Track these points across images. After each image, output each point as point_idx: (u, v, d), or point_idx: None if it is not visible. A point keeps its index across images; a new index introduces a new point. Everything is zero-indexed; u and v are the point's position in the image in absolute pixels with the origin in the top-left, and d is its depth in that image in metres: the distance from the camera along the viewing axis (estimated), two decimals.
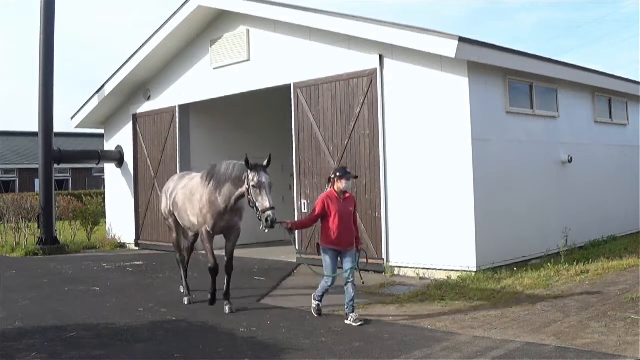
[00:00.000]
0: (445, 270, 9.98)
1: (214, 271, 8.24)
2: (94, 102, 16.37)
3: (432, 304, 8.23)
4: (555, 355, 5.80)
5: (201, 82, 14.24)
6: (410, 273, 10.35)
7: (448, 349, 6.14)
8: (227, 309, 8.10)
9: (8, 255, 14.84)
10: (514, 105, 11.04)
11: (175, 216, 9.06)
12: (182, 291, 9.07)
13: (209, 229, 8.09)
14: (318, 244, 7.59)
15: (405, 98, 10.61)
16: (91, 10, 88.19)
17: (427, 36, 9.84)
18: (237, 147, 14.87)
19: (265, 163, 7.61)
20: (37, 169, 16.25)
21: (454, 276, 9.75)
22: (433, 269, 10.11)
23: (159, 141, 15.50)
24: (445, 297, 8.53)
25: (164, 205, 9.32)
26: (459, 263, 9.88)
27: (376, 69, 10.89)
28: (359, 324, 7.18)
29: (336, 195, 7.50)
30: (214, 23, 13.88)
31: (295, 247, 8.89)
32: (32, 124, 28.11)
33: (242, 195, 7.72)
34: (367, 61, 11.04)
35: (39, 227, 15.50)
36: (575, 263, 10.35)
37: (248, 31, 13.13)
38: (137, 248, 16.02)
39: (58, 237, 15.69)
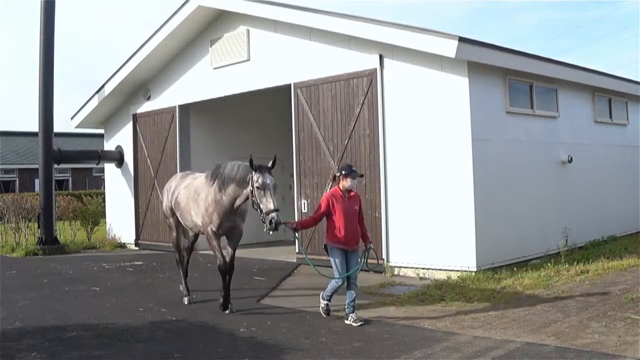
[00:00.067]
0: (445, 270, 9.98)
1: (224, 271, 8.00)
2: (94, 102, 16.37)
3: (432, 304, 8.23)
4: (555, 355, 5.80)
5: (201, 82, 14.24)
6: (410, 273, 10.35)
7: (448, 349, 6.14)
8: (227, 309, 8.10)
9: (8, 255, 14.84)
10: (514, 105, 11.04)
11: (176, 215, 9.01)
12: (181, 290, 9.04)
13: (214, 229, 7.96)
14: (325, 244, 7.49)
15: (405, 98, 10.61)
16: (91, 10, 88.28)
17: (427, 36, 9.84)
18: (237, 147, 14.91)
19: (269, 164, 7.51)
20: (37, 169, 16.25)
21: (454, 276, 9.75)
22: (433, 269, 10.11)
23: (159, 141, 15.50)
24: (445, 297, 8.53)
25: (165, 204, 9.25)
26: (459, 263, 9.88)
27: (376, 69, 10.89)
28: (359, 324, 7.18)
29: (341, 193, 7.42)
30: (214, 23, 13.88)
31: (301, 247, 8.83)
32: (32, 124, 28.14)
33: (246, 198, 7.62)
34: (367, 61, 11.04)
35: (39, 227, 15.50)
36: (575, 263, 10.35)
37: (248, 31, 13.13)
38: (137, 248, 16.02)
39: (58, 237, 15.69)
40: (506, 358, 5.81)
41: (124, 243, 16.51)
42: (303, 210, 11.94)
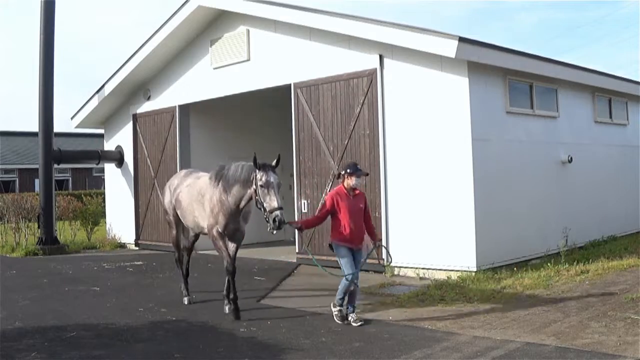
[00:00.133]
0: (445, 270, 9.98)
1: (232, 272, 7.82)
2: (94, 102, 16.37)
3: (432, 304, 8.23)
4: (555, 355, 5.80)
5: (201, 82, 14.24)
6: (410, 273, 10.35)
7: (448, 349, 6.14)
8: (227, 309, 8.08)
9: (8, 255, 14.84)
10: (514, 105, 11.04)
11: (177, 213, 8.91)
12: (181, 289, 9.01)
13: (220, 230, 7.81)
14: (330, 243, 7.44)
15: (405, 98, 10.61)
16: (91, 10, 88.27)
17: (427, 36, 9.84)
18: (237, 147, 14.91)
19: (273, 163, 7.42)
20: (37, 169, 16.25)
21: (454, 276, 9.75)
22: (433, 269, 10.11)
23: (159, 141, 15.50)
24: (445, 297, 8.53)
25: (167, 201, 9.14)
26: (459, 263, 9.88)
27: (376, 69, 10.89)
28: (359, 324, 7.18)
29: (345, 192, 7.37)
30: (214, 23, 13.88)
31: (306, 248, 8.72)
32: (32, 124, 28.14)
33: (250, 198, 7.52)
34: (367, 61, 11.04)
35: (39, 227, 15.50)
36: (575, 263, 10.35)
37: (248, 31, 13.13)
38: (137, 248, 16.02)
39: (58, 237, 15.69)
40: (506, 358, 5.81)
41: (124, 243, 16.51)
42: (303, 210, 11.94)
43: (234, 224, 7.87)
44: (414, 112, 10.50)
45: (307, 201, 11.94)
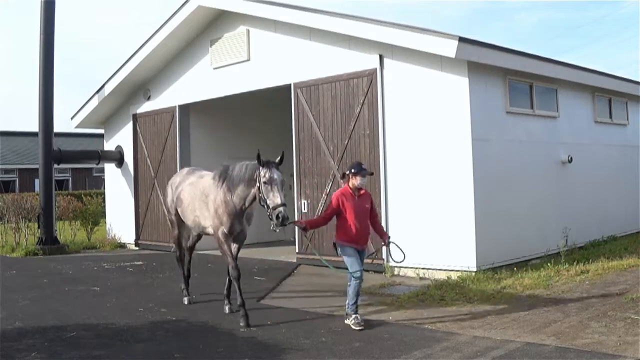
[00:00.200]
0: (445, 270, 9.98)
1: (237, 277, 7.66)
2: (94, 102, 16.37)
3: (432, 304, 8.24)
4: (555, 355, 5.80)
5: (201, 82, 14.24)
6: (410, 273, 10.35)
7: (448, 349, 6.14)
8: (226, 308, 8.09)
9: (8, 255, 14.84)
10: (514, 105, 11.04)
11: (177, 211, 8.80)
12: (182, 289, 9.00)
13: (225, 230, 7.71)
14: (334, 243, 7.39)
15: (405, 98, 10.61)
16: (91, 10, 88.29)
17: (427, 36, 9.84)
18: (237, 147, 14.92)
19: (277, 160, 7.35)
20: (37, 169, 16.25)
21: (454, 276, 9.75)
22: (433, 269, 10.10)
23: (159, 141, 15.50)
24: (445, 297, 8.53)
25: (169, 199, 9.04)
26: (459, 263, 9.88)
27: (376, 69, 10.89)
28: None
29: (351, 192, 7.31)
30: (214, 23, 13.89)
31: (313, 249, 8.61)
32: (32, 124, 28.15)
33: (254, 198, 7.44)
34: (367, 61, 11.04)
35: (39, 227, 15.50)
36: (575, 263, 10.35)
37: (248, 31, 13.13)
38: (137, 248, 16.02)
39: (58, 237, 15.69)
40: (506, 358, 5.82)
41: (124, 243, 16.51)
42: (303, 210, 11.94)
43: (239, 224, 7.80)
44: (414, 112, 10.51)
45: (307, 201, 11.94)
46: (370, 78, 11.00)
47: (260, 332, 7.04)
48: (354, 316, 7.08)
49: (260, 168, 7.23)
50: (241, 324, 7.29)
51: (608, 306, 7.58)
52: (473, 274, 9.64)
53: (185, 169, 9.35)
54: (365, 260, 7.61)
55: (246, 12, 12.60)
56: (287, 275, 10.90)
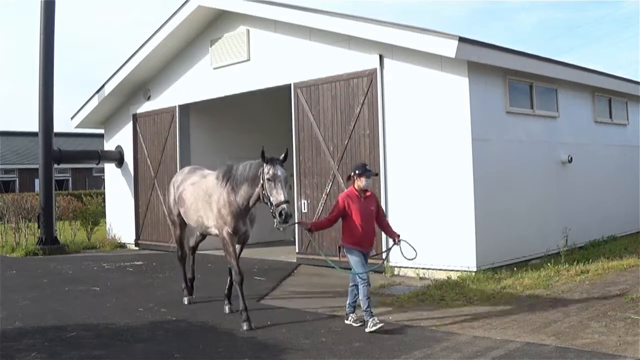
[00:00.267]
0: (445, 270, 9.98)
1: (240, 282, 7.53)
2: (94, 102, 16.37)
3: (432, 304, 8.24)
4: (555, 355, 5.80)
5: (201, 82, 14.24)
6: (410, 273, 10.35)
7: (448, 349, 6.14)
8: (227, 309, 8.10)
9: (8, 255, 14.84)
10: (514, 105, 11.04)
11: (179, 211, 8.72)
12: (182, 287, 8.97)
13: (230, 231, 7.60)
14: (339, 246, 7.33)
15: (405, 98, 10.61)
16: (91, 10, 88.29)
17: (427, 36, 9.84)
18: (237, 147, 14.93)
19: (281, 157, 7.30)
20: (37, 169, 16.25)
21: (454, 276, 9.75)
22: (433, 269, 10.10)
23: (159, 141, 15.50)
24: (445, 297, 8.53)
25: (171, 199, 8.95)
26: (459, 263, 9.88)
27: (376, 69, 10.89)
28: (359, 324, 7.18)
29: (356, 193, 7.25)
30: (214, 23, 13.89)
31: (319, 250, 8.50)
32: (32, 124, 28.16)
33: (258, 197, 7.37)
34: (367, 61, 11.04)
35: (39, 227, 15.50)
36: (575, 263, 10.35)
37: (248, 31, 13.13)
38: (137, 248, 16.02)
39: (58, 237, 15.69)
40: (506, 358, 5.82)
41: (124, 243, 16.51)
42: (303, 210, 11.94)
43: (243, 225, 7.73)
44: (414, 112, 10.51)
45: (307, 201, 11.94)
46: (370, 78, 11.00)
47: (260, 332, 7.04)
48: (371, 319, 6.88)
49: (265, 165, 7.17)
50: (244, 328, 7.19)
51: (608, 306, 7.58)
52: (473, 274, 9.64)
53: (187, 168, 9.26)
54: (371, 261, 7.58)
55: (246, 12, 12.60)
56: (287, 275, 10.90)
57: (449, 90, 10.07)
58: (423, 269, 10.21)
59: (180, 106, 14.95)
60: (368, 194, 7.35)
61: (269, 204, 7.11)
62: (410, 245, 7.22)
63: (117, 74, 15.51)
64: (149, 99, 15.74)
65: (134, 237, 16.19)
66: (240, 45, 13.26)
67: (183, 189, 8.61)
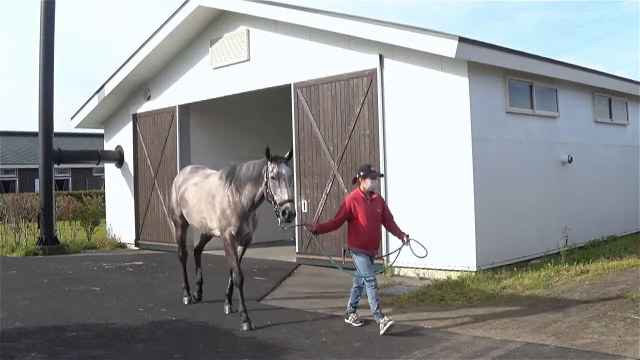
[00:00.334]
0: (445, 270, 9.97)
1: (241, 284, 7.51)
2: (94, 102, 16.38)
3: (432, 304, 8.24)
4: (555, 355, 5.80)
5: (201, 82, 14.24)
6: (410, 273, 10.35)
7: (448, 349, 6.14)
8: (226, 309, 8.09)
9: (8, 255, 14.84)
10: (514, 105, 11.04)
11: (182, 212, 8.65)
12: (182, 287, 8.94)
13: (233, 232, 7.54)
14: (345, 249, 7.27)
15: (405, 98, 10.61)
16: (91, 10, 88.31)
17: (427, 36, 9.84)
18: (237, 147, 14.94)
19: (286, 155, 7.25)
20: (37, 169, 16.26)
21: (454, 276, 9.75)
22: (433, 269, 10.10)
23: (159, 141, 15.50)
24: (445, 297, 8.53)
25: (174, 200, 8.87)
26: (459, 263, 9.88)
27: (376, 69, 10.89)
28: (359, 324, 7.18)
29: (362, 196, 7.18)
30: (214, 23, 13.89)
31: (325, 251, 8.37)
32: (32, 124, 28.17)
33: (262, 196, 7.31)
34: (367, 61, 11.04)
35: (39, 227, 15.50)
36: (575, 263, 10.35)
37: (248, 31, 13.13)
38: (137, 248, 16.02)
39: (58, 237, 15.69)
40: (506, 358, 5.82)
41: (124, 243, 16.51)
42: (303, 210, 11.94)
43: (247, 226, 7.66)
44: (414, 112, 10.50)
45: (307, 201, 11.94)
46: (370, 78, 10.99)
47: (260, 332, 7.04)
48: (382, 320, 6.80)
49: (269, 163, 7.12)
50: (244, 328, 7.17)
51: (608, 306, 7.59)
52: (473, 274, 9.64)
53: (189, 168, 9.17)
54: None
55: (246, 12, 12.60)
56: (287, 275, 10.90)
57: (449, 90, 10.07)
58: (423, 269, 10.20)
59: (180, 106, 14.95)
60: (374, 196, 7.29)
61: (272, 202, 7.06)
62: (420, 243, 7.17)
63: (117, 74, 15.51)
64: (149, 99, 15.74)
65: (134, 237, 16.19)
66: (240, 45, 13.26)
67: (185, 189, 8.53)
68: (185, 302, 8.67)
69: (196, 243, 9.22)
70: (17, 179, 36.19)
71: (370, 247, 7.19)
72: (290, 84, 12.32)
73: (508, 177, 10.71)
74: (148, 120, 15.84)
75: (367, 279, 7.04)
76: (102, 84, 16.02)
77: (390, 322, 6.75)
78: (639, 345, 5.90)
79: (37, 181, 21.05)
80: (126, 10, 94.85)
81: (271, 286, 9.90)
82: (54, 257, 14.30)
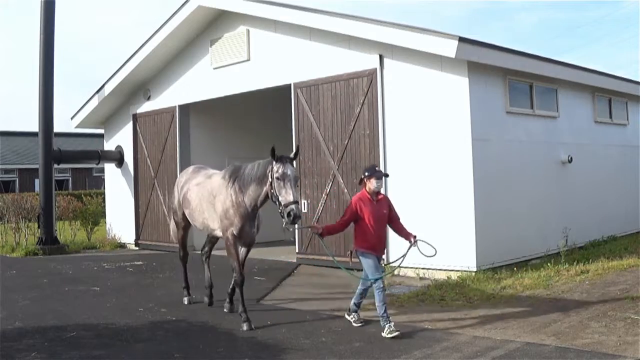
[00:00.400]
0: (445, 270, 9.97)
1: (241, 284, 7.49)
2: (94, 102, 16.38)
3: (432, 304, 8.24)
4: (555, 355, 5.80)
5: (201, 82, 14.24)
6: (410, 273, 10.35)
7: (448, 349, 6.14)
8: (226, 308, 8.09)
9: (8, 255, 14.84)
10: (514, 105, 11.04)
11: (184, 212, 8.57)
12: (182, 287, 8.93)
13: (235, 233, 7.44)
14: (351, 250, 7.18)
15: (405, 98, 10.61)
16: (91, 10, 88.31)
17: (427, 36, 9.84)
18: (237, 147, 14.94)
19: (292, 155, 7.14)
20: (37, 169, 16.25)
21: (454, 276, 9.75)
22: (433, 269, 10.09)
23: (159, 141, 15.50)
24: (446, 297, 8.53)
25: (176, 200, 8.78)
26: (459, 263, 9.88)
27: (376, 69, 10.89)
28: (359, 324, 7.17)
29: (368, 196, 7.09)
30: (214, 23, 13.89)
31: (329, 252, 8.36)
32: (32, 124, 28.16)
33: (266, 196, 7.21)
34: (367, 61, 11.04)
35: (39, 227, 15.50)
36: (575, 263, 10.35)
37: (248, 31, 13.13)
38: (137, 248, 16.02)
39: (58, 237, 15.68)
40: (506, 358, 5.82)
41: (124, 243, 16.51)
42: (303, 211, 11.93)
43: (250, 227, 7.56)
44: (414, 112, 10.51)
45: (307, 201, 11.94)
46: (370, 78, 10.99)
47: (260, 332, 7.04)
48: (387, 324, 6.71)
49: (274, 163, 6.99)
50: (244, 328, 7.15)
51: (608, 306, 7.59)
52: (473, 274, 9.64)
53: (191, 168, 9.07)
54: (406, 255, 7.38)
55: (246, 12, 12.60)
56: (287, 275, 10.90)
57: (449, 90, 10.07)
58: (423, 269, 10.20)
59: (180, 106, 14.95)
60: (380, 196, 7.22)
61: (277, 203, 6.97)
62: (428, 243, 7.13)
63: (117, 74, 15.51)
64: (149, 99, 15.74)
65: (134, 237, 16.19)
66: (240, 45, 13.26)
67: (188, 189, 8.45)
68: (185, 302, 8.67)
69: (196, 243, 9.18)
70: (17, 179, 36.20)
71: (378, 248, 7.13)
72: (290, 84, 12.32)
73: (508, 177, 10.71)
74: (148, 120, 15.84)
75: (374, 284, 6.94)
76: (102, 84, 16.02)
77: (397, 333, 6.60)
78: (639, 345, 5.90)
79: (37, 181, 21.05)
80: (126, 10, 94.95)
81: (271, 286, 9.90)
82: (54, 257, 14.29)
